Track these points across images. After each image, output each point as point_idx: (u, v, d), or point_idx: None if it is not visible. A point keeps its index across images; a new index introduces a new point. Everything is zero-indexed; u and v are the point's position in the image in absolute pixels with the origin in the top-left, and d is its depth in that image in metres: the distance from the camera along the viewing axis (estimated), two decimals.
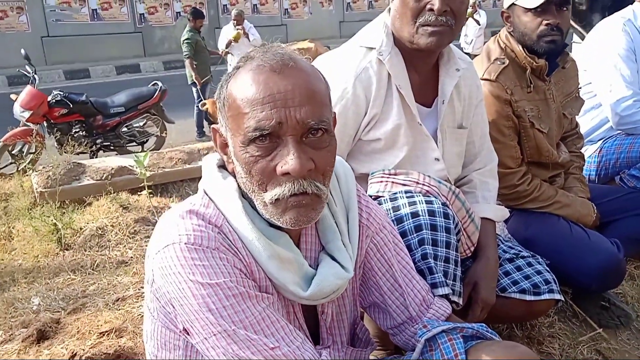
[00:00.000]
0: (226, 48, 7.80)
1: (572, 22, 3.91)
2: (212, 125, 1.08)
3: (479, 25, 9.79)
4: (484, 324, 1.14)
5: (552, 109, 2.10)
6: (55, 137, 5.57)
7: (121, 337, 1.84)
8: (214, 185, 1.05)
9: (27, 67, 5.77)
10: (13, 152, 5.42)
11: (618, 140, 2.64)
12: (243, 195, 1.04)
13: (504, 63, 2.01)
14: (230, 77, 1.01)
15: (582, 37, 3.82)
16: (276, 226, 1.03)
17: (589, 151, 2.74)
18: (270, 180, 0.96)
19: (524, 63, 2.01)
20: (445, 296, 1.29)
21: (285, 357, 0.95)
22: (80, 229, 3.41)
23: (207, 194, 1.05)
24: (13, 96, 5.58)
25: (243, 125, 0.95)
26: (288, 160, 0.93)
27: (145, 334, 1.13)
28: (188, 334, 0.99)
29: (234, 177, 1.05)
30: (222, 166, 1.10)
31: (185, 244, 0.95)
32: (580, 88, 2.37)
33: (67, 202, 3.89)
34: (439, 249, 1.33)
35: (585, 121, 2.76)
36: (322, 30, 16.55)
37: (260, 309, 0.96)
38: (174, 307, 0.98)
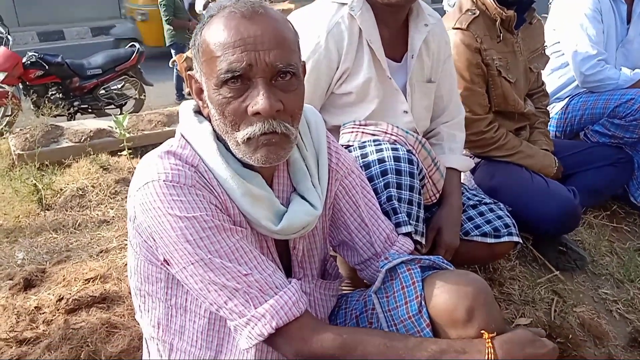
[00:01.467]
0: (204, 9, 7.68)
1: None
2: (188, 72, 1.14)
3: None
4: (440, 257, 1.24)
5: (520, 62, 2.20)
6: (31, 100, 5.50)
7: (106, 282, 1.92)
8: (190, 129, 1.12)
9: (0, 28, 5.65)
10: None
11: (583, 98, 2.75)
12: (218, 138, 1.11)
13: (474, 14, 2.09)
14: (204, 25, 1.07)
15: None
16: (249, 167, 1.11)
17: (555, 108, 2.85)
18: (242, 121, 1.03)
19: (494, 14, 2.10)
20: (408, 234, 1.39)
21: (257, 282, 1.04)
22: (61, 189, 3.43)
23: (184, 137, 1.12)
24: None
25: (216, 68, 1.01)
26: (258, 101, 1.00)
27: (129, 270, 1.21)
28: (168, 264, 1.07)
29: (209, 121, 1.12)
30: (198, 112, 1.16)
31: (164, 181, 1.02)
32: (546, 46, 2.46)
33: (46, 163, 3.90)
34: (403, 192, 1.42)
35: (552, 79, 2.85)
36: None
37: (235, 240, 1.05)
38: (154, 240, 1.06)
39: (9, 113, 5.37)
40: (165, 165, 1.04)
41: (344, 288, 1.66)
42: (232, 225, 1.06)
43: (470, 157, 2.22)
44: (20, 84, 5.49)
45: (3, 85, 5.35)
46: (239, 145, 1.05)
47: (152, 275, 1.14)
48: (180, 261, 1.03)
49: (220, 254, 1.03)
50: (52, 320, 1.72)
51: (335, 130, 1.67)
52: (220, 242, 1.03)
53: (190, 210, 1.02)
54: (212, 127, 1.11)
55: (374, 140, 1.53)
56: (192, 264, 1.02)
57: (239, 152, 1.07)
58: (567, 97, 2.82)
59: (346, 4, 1.65)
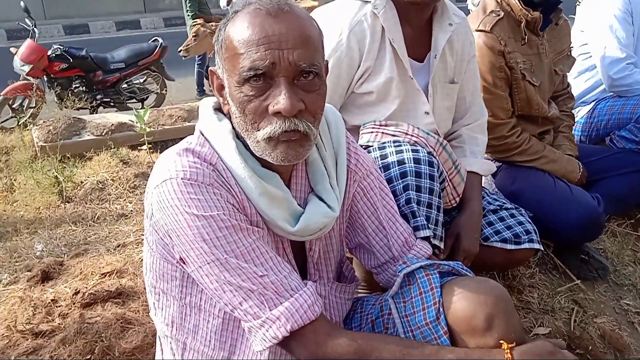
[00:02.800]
0: (228, 5, 7.70)
1: None
2: (210, 68, 1.13)
3: None
4: (460, 263, 1.21)
5: (545, 64, 2.15)
6: (55, 92, 5.57)
7: (122, 277, 1.93)
8: (209, 126, 1.11)
9: (27, 21, 5.72)
10: (13, 106, 5.43)
11: (610, 102, 2.69)
12: (237, 136, 1.10)
13: (499, 15, 2.05)
14: (228, 20, 1.06)
15: None
16: (268, 167, 1.10)
17: (581, 112, 2.79)
18: (263, 119, 1.02)
19: (519, 15, 2.05)
20: (427, 239, 1.37)
21: (272, 284, 1.03)
22: (81, 182, 3.47)
23: (203, 135, 1.11)
24: (13, 49, 5.55)
25: (238, 66, 1.00)
26: (280, 100, 0.98)
27: (145, 267, 1.21)
28: (184, 263, 1.06)
29: (229, 119, 1.11)
30: (218, 109, 1.15)
31: (181, 179, 1.01)
32: (572, 47, 2.40)
33: (67, 156, 3.95)
34: (422, 194, 1.39)
35: (579, 82, 2.79)
36: None
37: (251, 240, 1.04)
38: (171, 238, 1.05)
39: (33, 105, 5.45)
40: (183, 163, 1.03)
41: (359, 291, 1.64)
42: (248, 225, 1.05)
43: (492, 160, 2.18)
44: (44, 76, 5.56)
45: (28, 77, 5.43)
46: (258, 143, 1.04)
47: (167, 273, 1.13)
48: (196, 260, 1.02)
49: (236, 254, 1.02)
50: (68, 313, 1.73)
51: (354, 130, 1.66)
52: (237, 242, 1.02)
53: (208, 209, 1.01)
54: (232, 125, 1.10)
55: (394, 141, 1.51)
56: (208, 263, 1.01)
57: (259, 149, 1.05)
58: (593, 100, 2.76)
59: (369, 2, 1.63)
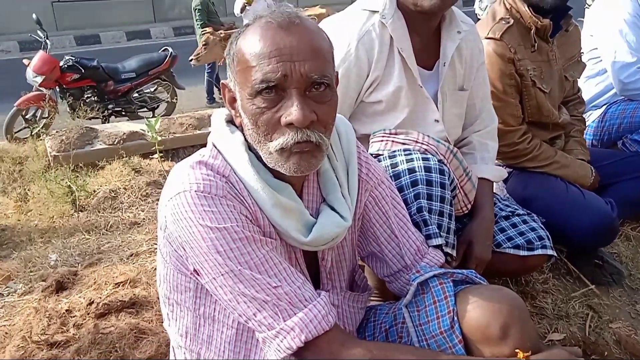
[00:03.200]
0: (241, 12, 7.75)
1: None
2: (222, 81, 1.14)
3: None
4: (474, 271, 1.21)
5: (555, 70, 2.14)
6: (67, 102, 5.63)
7: (135, 287, 1.95)
8: (222, 139, 1.12)
9: (39, 32, 5.80)
10: (27, 117, 5.50)
11: (622, 106, 2.67)
12: (250, 148, 1.10)
13: (508, 22, 2.04)
14: (240, 34, 1.07)
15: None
16: (280, 178, 1.11)
17: (593, 116, 2.77)
18: (275, 131, 1.03)
19: (529, 23, 2.04)
20: (439, 247, 1.37)
21: (286, 295, 1.03)
22: (94, 191, 3.51)
23: (215, 147, 1.12)
24: (26, 61, 5.63)
25: (250, 78, 1.01)
26: (292, 112, 0.99)
27: (158, 278, 1.21)
28: (198, 274, 1.07)
29: (241, 131, 1.12)
30: (230, 121, 1.16)
31: (195, 191, 1.02)
32: (583, 53, 2.39)
33: (80, 165, 3.99)
34: (434, 203, 1.39)
35: (590, 86, 2.78)
36: None
37: (265, 251, 1.04)
38: (185, 250, 1.06)
39: (46, 115, 5.52)
40: (197, 176, 1.04)
41: (372, 299, 1.64)
42: (262, 237, 1.06)
43: (503, 166, 2.17)
44: (57, 87, 5.63)
45: (41, 88, 5.49)
46: (271, 155, 1.05)
47: (181, 284, 1.14)
48: (210, 272, 1.03)
49: (250, 266, 1.02)
50: (82, 324, 1.74)
51: (364, 139, 1.66)
52: (251, 253, 1.03)
53: (222, 221, 1.02)
54: (244, 137, 1.11)
55: (405, 150, 1.51)
56: (222, 275, 1.02)
57: (271, 161, 1.06)
58: (604, 104, 2.75)
59: (378, 11, 1.63)
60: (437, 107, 1.71)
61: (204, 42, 6.26)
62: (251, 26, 1.05)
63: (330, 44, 1.09)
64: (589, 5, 2.92)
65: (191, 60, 6.29)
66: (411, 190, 1.40)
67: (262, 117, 1.02)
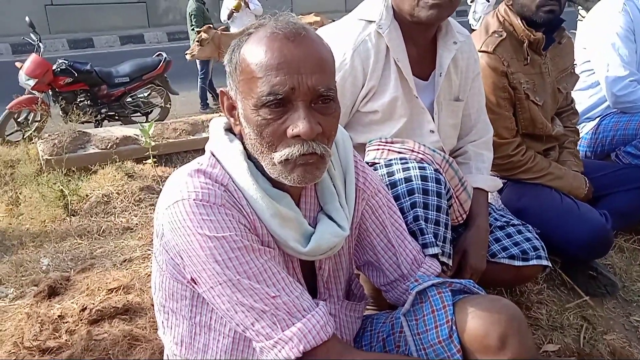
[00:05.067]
0: (228, 19, 7.78)
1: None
2: (221, 89, 1.13)
3: (488, 2, 9.67)
4: (472, 281, 1.21)
5: (548, 83, 2.16)
6: (60, 106, 5.59)
7: (129, 293, 1.93)
8: (220, 147, 1.11)
9: (32, 35, 5.76)
10: (19, 120, 5.46)
11: (615, 118, 2.69)
12: (248, 156, 1.10)
13: (501, 36, 2.06)
14: (242, 42, 1.06)
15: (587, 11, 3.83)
16: (279, 187, 1.10)
17: (586, 128, 2.79)
18: (280, 142, 1.02)
19: (522, 36, 2.06)
20: (435, 256, 1.37)
21: (285, 305, 1.03)
22: (86, 195, 3.49)
23: (214, 155, 1.11)
24: (18, 64, 5.59)
25: (256, 89, 1.01)
26: (299, 124, 0.99)
27: (153, 285, 1.20)
28: (195, 283, 1.06)
29: (240, 139, 1.12)
30: (229, 129, 1.16)
31: (193, 200, 1.02)
32: (576, 65, 2.41)
33: (73, 169, 3.96)
34: (430, 212, 1.39)
35: (583, 98, 2.80)
36: (327, 3, 16.33)
37: (263, 261, 1.04)
38: (182, 259, 1.05)
39: (38, 119, 5.47)
40: (195, 184, 1.04)
41: (367, 308, 1.63)
42: (260, 246, 1.05)
43: (497, 177, 2.18)
44: (49, 90, 5.59)
45: (33, 91, 5.46)
46: (274, 166, 1.04)
47: (177, 292, 1.13)
48: (208, 281, 1.02)
49: (248, 275, 1.02)
50: (75, 330, 1.72)
51: (360, 148, 1.66)
52: (249, 262, 1.02)
53: (220, 230, 1.01)
54: (243, 145, 1.10)
55: (401, 159, 1.51)
56: (220, 284, 1.01)
57: (274, 172, 1.06)
58: (598, 116, 2.76)
59: (374, 21, 1.64)
60: (432, 117, 1.72)
61: (197, 40, 6.50)
62: (254, 35, 1.05)
63: (333, 56, 1.10)
64: (583, 17, 2.94)
65: (186, 54, 6.55)
66: (407, 199, 1.40)
67: (267, 128, 1.02)
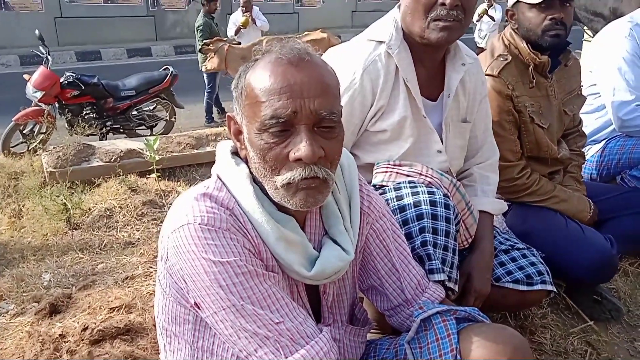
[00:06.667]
0: (235, 35, 7.84)
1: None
2: (227, 113, 1.14)
3: (494, 21, 9.74)
4: (476, 308, 1.20)
5: (554, 106, 2.16)
6: (66, 118, 5.61)
7: (130, 312, 1.92)
8: (227, 171, 1.12)
9: (41, 48, 5.80)
10: (24, 132, 5.46)
11: (621, 141, 2.69)
12: (254, 180, 1.10)
13: (506, 59, 2.06)
14: (248, 68, 1.08)
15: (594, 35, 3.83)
16: (284, 211, 1.10)
17: (592, 150, 2.79)
18: (283, 166, 1.03)
19: (527, 59, 2.07)
20: (441, 282, 1.36)
21: (288, 331, 1.02)
22: (89, 209, 3.48)
23: (220, 179, 1.12)
24: (26, 76, 5.62)
25: (260, 113, 1.01)
26: (301, 148, 1.00)
27: (156, 308, 1.19)
28: (199, 308, 1.05)
29: (246, 163, 1.12)
30: (235, 153, 1.16)
31: (199, 224, 1.01)
32: (582, 86, 2.41)
33: (76, 182, 3.96)
34: (439, 237, 1.39)
35: (589, 121, 2.80)
36: (334, 20, 16.49)
37: (267, 286, 1.03)
38: (186, 283, 1.05)
39: (44, 131, 5.49)
40: (201, 208, 1.03)
41: (370, 333, 1.62)
42: (264, 271, 1.05)
43: (502, 199, 2.17)
44: (56, 102, 5.62)
45: (40, 104, 5.48)
46: (277, 190, 1.05)
47: (180, 316, 1.12)
48: (211, 306, 1.02)
49: (252, 301, 1.01)
50: (76, 350, 1.71)
51: (368, 168, 1.66)
52: (253, 288, 1.01)
53: (225, 254, 1.00)
54: (249, 169, 1.10)
55: (410, 182, 1.51)
56: (224, 309, 1.01)
57: (277, 195, 1.06)
58: (603, 139, 2.76)
59: (384, 42, 1.65)
60: (440, 138, 1.72)
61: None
62: (260, 61, 1.06)
63: (337, 81, 1.10)
64: (591, 37, 2.94)
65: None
66: (416, 223, 1.39)
67: (270, 152, 1.02)
